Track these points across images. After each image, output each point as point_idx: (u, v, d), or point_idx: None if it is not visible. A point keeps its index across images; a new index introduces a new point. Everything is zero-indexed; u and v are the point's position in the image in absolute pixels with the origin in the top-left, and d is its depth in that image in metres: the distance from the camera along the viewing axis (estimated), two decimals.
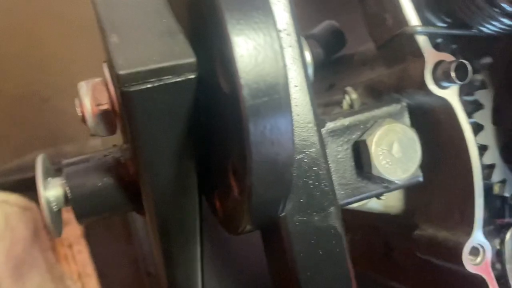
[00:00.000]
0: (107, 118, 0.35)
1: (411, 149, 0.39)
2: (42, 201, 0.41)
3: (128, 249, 1.00)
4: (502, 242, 0.44)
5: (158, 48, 0.30)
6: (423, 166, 0.45)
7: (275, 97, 0.28)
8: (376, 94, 0.46)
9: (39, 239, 0.98)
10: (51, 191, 0.42)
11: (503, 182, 0.43)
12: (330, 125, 0.40)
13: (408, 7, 0.40)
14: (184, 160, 0.36)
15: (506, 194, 0.44)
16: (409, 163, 0.39)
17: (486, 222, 0.46)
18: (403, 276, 0.60)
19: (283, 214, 0.37)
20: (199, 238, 0.52)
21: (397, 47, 0.42)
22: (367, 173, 0.39)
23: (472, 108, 0.43)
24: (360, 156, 0.39)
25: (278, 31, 0.28)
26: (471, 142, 0.40)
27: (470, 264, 0.41)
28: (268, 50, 0.27)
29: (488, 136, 0.43)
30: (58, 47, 1.23)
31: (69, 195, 0.42)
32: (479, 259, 0.41)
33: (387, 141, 0.39)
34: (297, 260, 0.37)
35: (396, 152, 0.39)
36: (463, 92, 0.44)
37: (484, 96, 0.43)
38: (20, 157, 1.07)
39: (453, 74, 0.37)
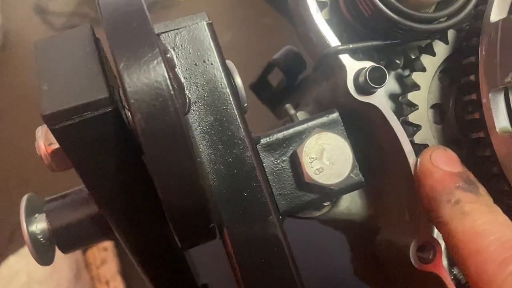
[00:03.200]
0: (59, 155, 0.40)
1: (342, 155, 0.41)
2: (25, 234, 0.46)
3: None
4: None
5: (78, 90, 0.35)
6: (375, 170, 0.47)
7: (166, 119, 0.32)
8: (322, 107, 0.48)
9: (80, 279, 1.06)
10: (38, 225, 0.48)
11: None
12: (264, 140, 0.43)
13: (326, 29, 0.43)
14: (129, 182, 0.41)
15: None
16: (341, 168, 0.41)
17: None
18: (398, 285, 0.59)
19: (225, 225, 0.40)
20: (182, 261, 0.55)
21: (327, 62, 0.45)
22: (302, 182, 0.41)
23: (407, 109, 0.44)
24: (295, 166, 0.42)
25: (163, 59, 0.32)
26: (405, 142, 0.41)
27: (420, 263, 0.41)
28: (155, 81, 0.31)
29: (428, 134, 0.44)
30: None
31: (49, 229, 0.47)
32: (431, 256, 0.42)
33: (317, 149, 0.41)
34: (241, 266, 0.40)
35: (326, 159, 0.41)
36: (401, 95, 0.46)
37: (419, 97, 0.44)
38: None
39: (366, 78, 0.39)
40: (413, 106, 0.44)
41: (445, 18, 0.42)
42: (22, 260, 1.10)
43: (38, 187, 1.31)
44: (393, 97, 0.47)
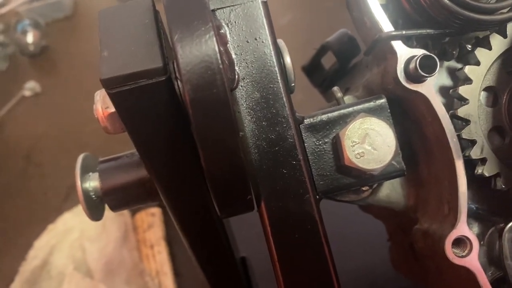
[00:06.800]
0: (114, 118, 0.43)
1: (385, 141, 0.41)
2: (79, 191, 0.50)
3: None
4: (500, 237, 0.43)
5: (135, 58, 0.37)
6: (418, 160, 0.46)
7: (213, 91, 0.33)
8: (371, 93, 0.48)
9: (127, 240, 1.11)
10: (91, 183, 0.51)
11: (497, 175, 0.43)
12: (308, 120, 0.43)
13: (380, 14, 0.42)
14: (176, 150, 0.43)
15: (500, 187, 0.43)
16: (383, 155, 0.41)
17: (486, 220, 0.45)
18: (430, 278, 0.59)
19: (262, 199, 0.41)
20: (221, 231, 0.57)
21: (380, 47, 0.44)
22: (341, 165, 0.42)
23: (457, 103, 0.43)
24: (337, 149, 0.42)
25: (215, 34, 0.33)
26: (451, 134, 0.41)
27: (454, 256, 0.41)
28: (206, 54, 0.33)
29: (473, 111, 0.43)
30: None
31: (101, 187, 0.51)
32: (466, 251, 0.41)
33: (360, 134, 0.41)
34: (275, 239, 0.42)
35: (368, 144, 0.41)
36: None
37: (476, 73, 0.43)
38: None
39: (416, 66, 0.39)
40: (463, 100, 0.43)
41: (508, 9, 0.40)
42: (77, 217, 1.18)
43: (96, 150, 1.38)
44: (443, 90, 0.46)
